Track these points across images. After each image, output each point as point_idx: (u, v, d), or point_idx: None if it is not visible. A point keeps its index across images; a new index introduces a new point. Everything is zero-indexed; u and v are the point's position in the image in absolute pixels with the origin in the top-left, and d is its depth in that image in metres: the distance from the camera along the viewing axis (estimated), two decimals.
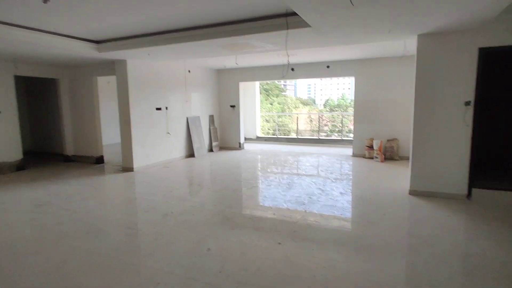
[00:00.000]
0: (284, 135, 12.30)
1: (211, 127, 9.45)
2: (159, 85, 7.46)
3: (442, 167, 4.59)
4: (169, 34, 4.97)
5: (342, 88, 73.47)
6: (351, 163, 7.43)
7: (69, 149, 8.07)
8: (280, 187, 5.41)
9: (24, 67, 6.98)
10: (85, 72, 7.62)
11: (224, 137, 9.94)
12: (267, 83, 25.67)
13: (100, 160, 7.78)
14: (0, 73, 6.59)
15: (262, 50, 5.77)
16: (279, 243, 3.26)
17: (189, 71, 8.45)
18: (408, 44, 5.48)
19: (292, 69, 8.78)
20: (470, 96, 4.36)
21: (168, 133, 7.77)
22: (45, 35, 4.77)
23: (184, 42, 4.96)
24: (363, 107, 8.03)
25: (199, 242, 3.32)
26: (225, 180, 6.04)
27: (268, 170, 6.86)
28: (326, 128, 15.30)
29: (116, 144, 9.09)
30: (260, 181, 6.00)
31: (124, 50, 5.56)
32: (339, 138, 10.59)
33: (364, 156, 7.95)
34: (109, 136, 9.72)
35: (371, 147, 7.77)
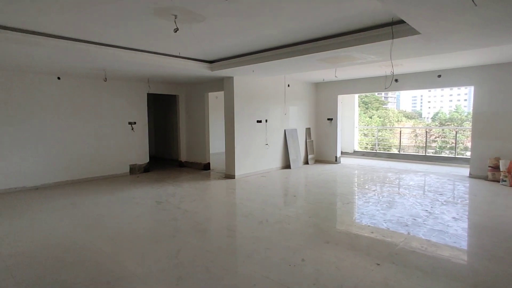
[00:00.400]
0: (384, 151, 11.47)
1: (307, 140, 9.53)
2: (261, 99, 7.97)
3: None
4: (272, 51, 5.31)
5: (457, 99, 64.24)
6: (468, 185, 6.44)
7: (183, 156, 9.28)
8: (379, 205, 5.08)
9: (154, 85, 8.42)
10: (198, 88, 8.71)
11: (320, 150, 9.87)
12: (366, 96, 24.45)
13: (207, 166, 8.69)
14: (137, 91, 8.12)
15: (363, 62, 5.60)
16: (378, 264, 3.08)
17: (288, 85, 8.77)
18: None
19: (396, 80, 8.20)
20: None
21: (267, 144, 8.18)
22: (172, 59, 5.70)
23: (285, 58, 5.23)
24: (485, 121, 6.90)
25: (294, 252, 3.39)
26: (320, 193, 6.01)
27: (366, 186, 6.52)
28: (434, 144, 13.61)
29: (220, 153, 10.03)
30: (357, 196, 5.75)
31: (232, 68, 6.18)
32: (452, 156, 9.29)
33: (485, 178, 6.79)
34: (215, 146, 10.78)
35: (496, 167, 6.59)
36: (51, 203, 5.40)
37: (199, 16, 3.61)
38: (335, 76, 7.93)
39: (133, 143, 8.10)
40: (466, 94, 60.39)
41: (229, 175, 7.51)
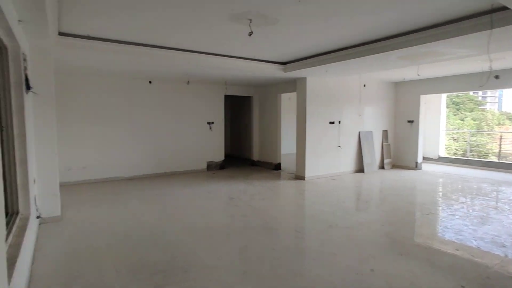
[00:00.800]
0: (479, 158, 10.01)
1: (383, 143, 8.92)
2: (334, 99, 7.74)
3: None
4: (346, 50, 5.12)
5: None
6: None
7: (255, 155, 9.57)
8: (469, 220, 4.48)
9: (231, 87, 8.88)
10: (272, 90, 8.88)
11: (398, 155, 9.13)
12: (457, 95, 21.67)
13: (277, 166, 8.80)
14: (215, 93, 8.67)
15: (452, 57, 5.01)
16: (463, 287, 2.73)
17: (364, 85, 8.34)
18: None
19: (497, 77, 7.10)
20: None
21: (339, 146, 7.91)
22: (247, 62, 5.93)
23: (361, 57, 4.99)
24: None
25: (362, 260, 3.23)
26: (396, 200, 5.57)
27: (452, 197, 5.81)
28: None
29: (291, 154, 10.05)
30: (440, 208, 5.17)
31: (305, 69, 6.15)
32: None
33: None
34: (286, 146, 10.86)
35: None
36: (141, 192, 6.14)
37: (273, 19, 3.70)
38: (418, 75, 7.24)
39: (210, 142, 8.67)
40: None
41: (299, 176, 7.48)
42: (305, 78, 7.20)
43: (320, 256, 3.35)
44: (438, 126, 9.63)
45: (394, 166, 9.11)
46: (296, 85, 7.55)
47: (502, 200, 5.56)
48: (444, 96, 9.70)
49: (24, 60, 3.41)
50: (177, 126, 8.11)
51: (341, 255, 3.35)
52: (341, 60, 5.34)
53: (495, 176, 7.67)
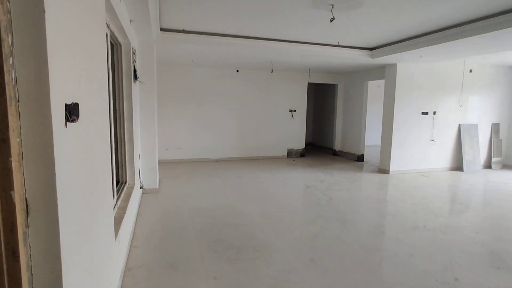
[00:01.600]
0: None
1: (493, 139, 7.63)
2: (428, 87, 6.93)
3: None
4: (445, 31, 4.52)
5: None
6: None
7: (337, 145, 9.31)
8: None
9: (314, 75, 8.75)
10: (358, 77, 8.42)
11: None
12: None
13: (360, 158, 8.41)
14: (299, 81, 8.67)
15: None
16: None
17: (470, 71, 7.21)
18: None
19: None
20: None
21: (433, 140, 7.10)
22: (330, 48, 5.76)
23: (464, 38, 4.34)
24: None
25: (445, 267, 2.94)
26: (502, 206, 4.79)
27: None
28: None
29: (376, 145, 9.45)
30: None
31: (395, 54, 5.65)
32: None
33: None
34: (372, 138, 10.24)
35: None
36: (225, 173, 6.67)
37: (356, 2, 3.51)
38: None
39: (292, 129, 8.77)
40: None
41: (383, 170, 7.02)
42: (395, 64, 6.61)
43: (394, 256, 3.18)
44: None
45: (506, 166, 7.74)
46: (384, 72, 7.00)
47: None
48: None
49: (134, 54, 4.03)
50: (261, 113, 8.43)
51: (419, 258, 3.11)
52: (439, 43, 4.74)
53: None
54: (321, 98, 10.63)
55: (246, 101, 8.26)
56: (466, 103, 7.30)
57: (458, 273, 2.84)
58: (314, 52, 5.71)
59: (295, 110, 8.74)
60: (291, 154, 8.80)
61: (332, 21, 3.80)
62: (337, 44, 5.62)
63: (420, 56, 5.74)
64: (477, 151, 7.40)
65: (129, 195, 3.41)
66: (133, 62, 3.98)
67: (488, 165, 7.65)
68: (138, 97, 4.64)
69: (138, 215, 4.07)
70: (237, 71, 8.07)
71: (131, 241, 3.30)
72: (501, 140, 7.71)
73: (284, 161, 8.23)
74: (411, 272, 2.84)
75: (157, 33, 4.59)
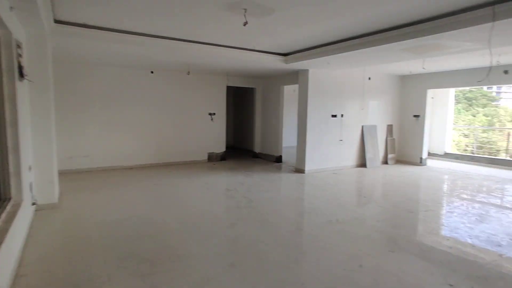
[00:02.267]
0: (490, 155, 9.77)
1: (388, 138, 8.77)
2: (336, 92, 7.62)
3: None
4: (348, 41, 5.00)
5: None
6: None
7: (257, 147, 9.53)
8: (467, 218, 4.38)
9: (233, 79, 8.81)
10: (275, 82, 8.78)
11: (403, 150, 8.98)
12: (470, 90, 21.13)
13: (279, 159, 8.76)
14: (217, 84, 8.61)
15: (458, 51, 4.84)
16: (451, 285, 2.67)
17: (369, 78, 8.17)
18: None
19: (506, 72, 6.86)
20: None
21: (341, 140, 7.81)
22: (247, 52, 5.85)
23: (362, 49, 4.86)
24: None
25: (352, 256, 3.19)
26: (396, 196, 5.49)
27: (454, 194, 5.69)
28: None
29: (293, 146, 9.98)
30: (440, 204, 5.07)
31: (306, 60, 6.04)
32: None
33: None
34: (289, 139, 10.78)
35: None
36: (140, 182, 6.18)
37: (268, 9, 3.61)
38: (423, 68, 7.05)
39: (212, 133, 8.66)
40: None
41: (299, 169, 7.43)
42: (307, 70, 7.08)
43: (309, 251, 3.33)
44: (445, 122, 9.40)
45: (398, 161, 8.97)
46: (298, 77, 7.44)
47: (504, 199, 5.42)
48: (452, 91, 9.45)
49: (18, 47, 3.42)
50: (179, 116, 8.11)
51: (331, 251, 3.32)
52: (343, 52, 5.22)
53: (501, 173, 7.47)
54: (241, 102, 10.79)
55: (163, 104, 7.86)
56: (367, 107, 8.23)
57: (362, 260, 3.10)
58: (230, 55, 5.72)
59: (214, 113, 8.66)
60: (211, 158, 8.68)
61: (245, 25, 3.83)
62: (252, 48, 5.74)
63: (328, 63, 6.25)
64: (376, 149, 8.40)
65: (12, 214, 2.85)
66: (18, 57, 3.37)
67: (385, 161, 8.75)
68: (28, 99, 3.97)
69: (28, 236, 3.44)
70: (152, 72, 7.62)
71: (17, 270, 2.75)
72: (394, 139, 8.91)
73: (204, 166, 8.07)
74: (323, 265, 3.00)
75: (50, 25, 3.99)
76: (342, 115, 7.76)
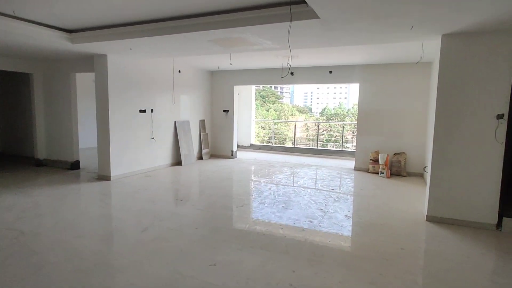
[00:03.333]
0: (280, 144, 11.61)
1: (201, 133, 8.70)
2: (145, 85, 6.72)
3: (467, 191, 3.90)
4: (150, 24, 4.24)
5: (339, 97, 73.32)
6: (353, 177, 6.73)
7: (41, 152, 7.25)
8: (275, 207, 4.66)
9: None
10: (62, 67, 6.86)
11: (216, 144, 9.19)
12: (263, 89, 25.11)
13: (75, 165, 6.98)
14: None
15: (260, 48, 5.07)
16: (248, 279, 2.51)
17: (179, 71, 7.73)
18: (418, 48, 4.85)
19: (292, 73, 8.10)
20: (504, 108, 3.69)
21: (153, 138, 7.01)
22: (5, 20, 4.02)
23: (167, 34, 4.24)
24: (368, 117, 7.35)
25: (171, 275, 2.55)
26: (212, 194, 5.29)
27: (262, 184, 6.13)
28: (322, 137, 14.66)
29: (94, 148, 8.29)
30: (252, 197, 5.25)
31: (101, 42, 4.83)
32: (339, 149, 9.92)
33: (367, 171, 7.26)
34: (88, 139, 8.92)
35: (376, 161, 7.08)
36: None
37: None
38: (230, 64, 7.28)
39: None
40: (346, 93, 69.39)
41: (103, 176, 6.09)
42: (105, 55, 5.81)
43: (124, 268, 2.43)
44: (250, 116, 10.35)
45: (212, 155, 9.11)
46: (94, 64, 6.02)
47: (299, 183, 6.29)
48: (253, 88, 10.49)
49: None
50: None
51: (141, 279, 2.55)
52: (146, 36, 4.42)
53: (292, 159, 8.88)
54: (12, 92, 7.93)
55: None
56: (178, 102, 7.78)
57: (182, 271, 2.53)
58: None
59: None
60: None
61: None
62: (12, 14, 3.98)
63: (131, 49, 5.27)
64: (191, 145, 8.14)
65: None
66: None
67: (200, 156, 8.66)
68: None
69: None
70: None
71: None
72: (207, 134, 8.96)
73: None
74: (142, 278, 2.20)
75: None
76: (152, 110, 6.95)
